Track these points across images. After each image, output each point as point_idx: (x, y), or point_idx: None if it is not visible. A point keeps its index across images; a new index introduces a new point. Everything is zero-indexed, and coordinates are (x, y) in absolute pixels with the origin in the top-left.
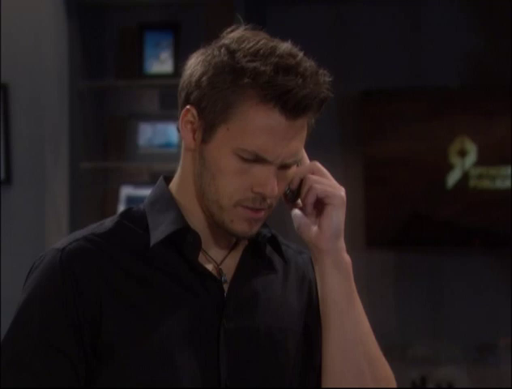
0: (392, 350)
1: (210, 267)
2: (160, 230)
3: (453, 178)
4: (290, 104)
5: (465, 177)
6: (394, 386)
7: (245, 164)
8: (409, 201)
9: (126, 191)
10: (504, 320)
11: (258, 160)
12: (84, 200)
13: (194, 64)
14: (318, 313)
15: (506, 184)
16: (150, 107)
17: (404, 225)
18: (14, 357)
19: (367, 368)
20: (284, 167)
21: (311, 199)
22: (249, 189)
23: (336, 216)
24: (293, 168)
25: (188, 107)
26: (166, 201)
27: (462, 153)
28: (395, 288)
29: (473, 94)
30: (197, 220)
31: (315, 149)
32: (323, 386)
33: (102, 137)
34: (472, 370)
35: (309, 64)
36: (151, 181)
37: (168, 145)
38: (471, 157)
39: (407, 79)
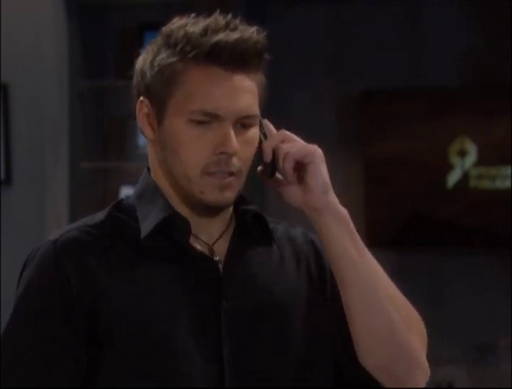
0: None
1: (203, 249)
2: (149, 220)
3: (453, 178)
4: (223, 55)
5: (465, 177)
6: (422, 325)
7: (201, 129)
8: (409, 201)
9: (126, 191)
10: (504, 320)
11: (210, 119)
12: (84, 200)
13: (138, 62)
14: (322, 284)
15: (506, 184)
16: None
17: (404, 225)
18: (14, 351)
19: (393, 309)
20: (242, 126)
21: (290, 164)
22: (212, 153)
23: (320, 172)
24: (254, 132)
25: (141, 99)
26: (152, 191)
27: (463, 153)
28: None
29: (473, 94)
30: (182, 208)
31: None
32: (356, 342)
33: (102, 137)
34: (472, 370)
35: (240, 23)
36: None
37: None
38: (471, 157)
39: (407, 79)
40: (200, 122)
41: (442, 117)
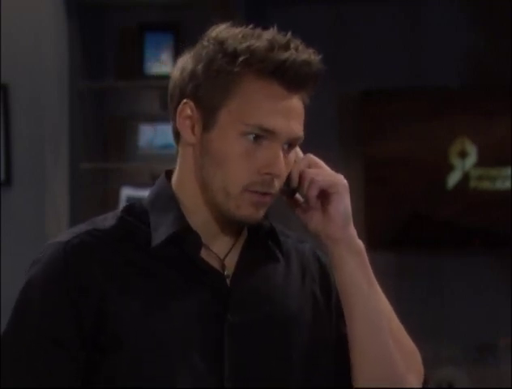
0: None
1: (213, 262)
2: (160, 231)
3: (453, 179)
4: (288, 75)
5: (465, 177)
6: (420, 359)
7: (250, 146)
8: (409, 201)
9: (127, 192)
10: (504, 320)
11: (263, 135)
12: (84, 201)
13: (183, 62)
14: (326, 303)
15: (506, 185)
16: (150, 108)
17: (404, 225)
18: (15, 352)
19: (395, 347)
20: (287, 147)
21: (314, 192)
22: (257, 172)
23: (344, 203)
24: (293, 153)
25: (185, 101)
26: (167, 199)
27: (463, 154)
28: (395, 288)
29: (473, 94)
30: (199, 217)
31: (315, 149)
32: (355, 373)
33: (102, 137)
34: (472, 370)
35: (299, 42)
36: (151, 182)
37: (168, 146)
38: (472, 158)
39: (407, 79)
40: (252, 137)
41: (442, 117)
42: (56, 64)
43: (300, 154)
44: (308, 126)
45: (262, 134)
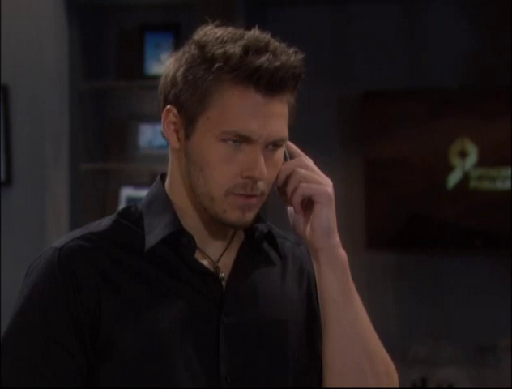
0: (392, 351)
1: (207, 264)
2: (154, 233)
3: (453, 179)
4: (263, 80)
5: (465, 178)
6: (396, 380)
7: (230, 150)
8: (409, 202)
9: (127, 192)
10: (504, 321)
11: (241, 140)
12: (84, 201)
13: (168, 66)
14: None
15: (507, 185)
16: (150, 108)
17: (405, 226)
18: (16, 354)
19: (367, 364)
20: (271, 148)
21: (298, 199)
22: (238, 175)
23: (325, 214)
24: (280, 153)
25: (168, 107)
26: (162, 202)
27: (463, 154)
28: (396, 289)
29: (473, 95)
30: (192, 220)
31: (315, 150)
32: (324, 383)
33: (102, 138)
34: (472, 371)
35: (278, 44)
36: (151, 182)
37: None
38: (472, 158)
39: (407, 79)
40: (231, 142)
41: (443, 117)
42: (56, 64)
43: (296, 151)
44: (308, 126)
45: (241, 140)
